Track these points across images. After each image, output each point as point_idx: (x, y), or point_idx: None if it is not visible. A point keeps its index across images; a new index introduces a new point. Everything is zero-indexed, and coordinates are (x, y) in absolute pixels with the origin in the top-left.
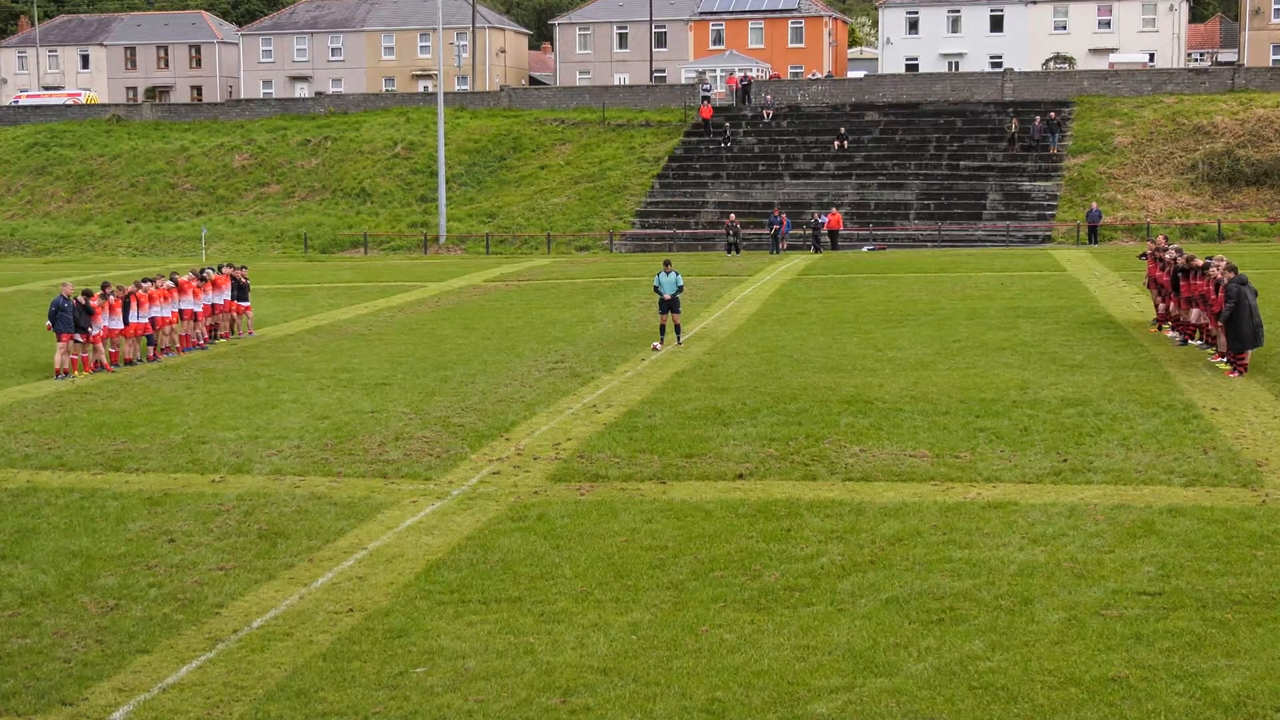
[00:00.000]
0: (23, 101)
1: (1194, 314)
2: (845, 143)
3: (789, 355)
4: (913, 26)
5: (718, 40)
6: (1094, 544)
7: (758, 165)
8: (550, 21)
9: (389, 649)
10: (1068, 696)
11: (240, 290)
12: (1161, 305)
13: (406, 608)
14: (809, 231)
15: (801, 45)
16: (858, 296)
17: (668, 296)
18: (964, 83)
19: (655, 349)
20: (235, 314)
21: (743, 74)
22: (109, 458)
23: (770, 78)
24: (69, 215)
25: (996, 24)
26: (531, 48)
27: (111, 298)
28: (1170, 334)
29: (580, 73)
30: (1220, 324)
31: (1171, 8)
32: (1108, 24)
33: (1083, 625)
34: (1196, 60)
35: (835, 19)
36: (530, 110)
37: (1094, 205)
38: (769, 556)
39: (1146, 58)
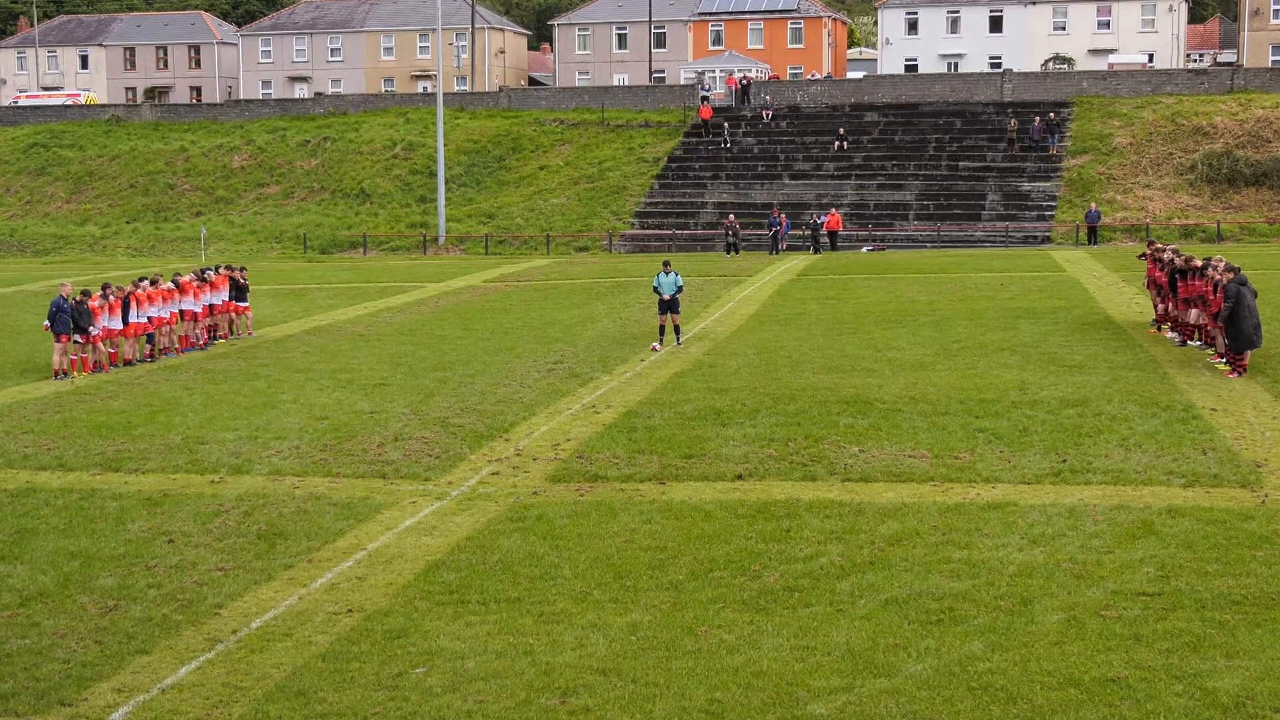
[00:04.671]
0: (22, 102)
1: (1193, 314)
2: (844, 143)
3: (788, 356)
4: (912, 27)
5: (717, 41)
6: (1093, 545)
7: (757, 166)
8: (549, 22)
9: (388, 649)
10: (1067, 697)
11: (239, 291)
12: (1160, 306)
13: (406, 608)
14: (808, 232)
15: (801, 46)
16: (857, 297)
17: (667, 297)
18: (963, 83)
19: (654, 349)
20: (234, 315)
21: (742, 74)
22: (108, 458)
23: (769, 78)
24: (68, 216)
25: (996, 25)
26: (531, 48)
27: (111, 298)
28: (1169, 334)
29: (579, 73)
30: (1219, 324)
31: (1171, 8)
32: (1107, 25)
33: (1082, 626)
34: (1196, 61)
35: (834, 20)
36: (529, 111)
37: (1093, 206)
38: (768, 557)
39: (1146, 58)
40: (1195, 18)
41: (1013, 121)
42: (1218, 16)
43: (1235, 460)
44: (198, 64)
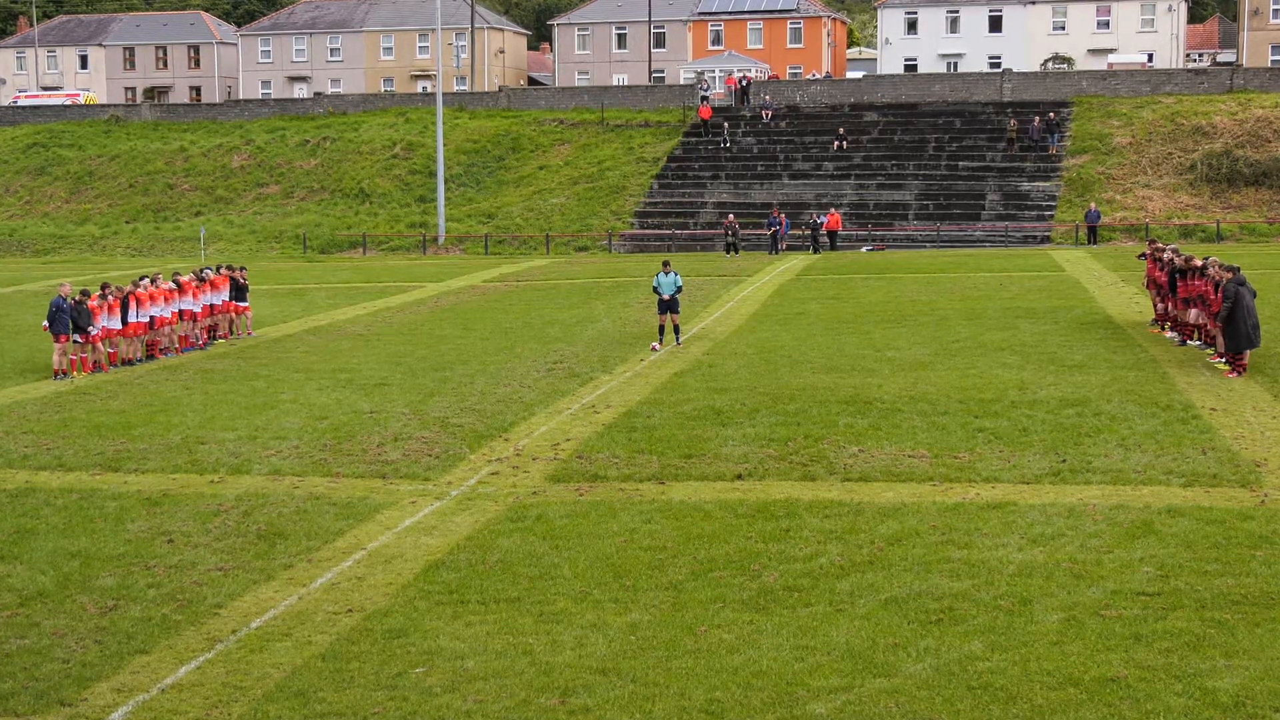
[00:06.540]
0: (22, 102)
1: (1192, 314)
2: (844, 143)
3: (788, 356)
4: (911, 27)
5: (716, 41)
6: (1093, 544)
7: (756, 166)
8: (549, 22)
9: (388, 649)
10: (1066, 697)
11: (239, 291)
12: (1160, 305)
13: (405, 608)
14: (808, 232)
15: (800, 46)
16: (856, 297)
17: (666, 297)
18: (963, 83)
19: (654, 349)
20: (234, 314)
21: (741, 74)
22: (108, 458)
23: (769, 78)
24: (68, 216)
25: (995, 24)
26: (530, 48)
27: (110, 298)
28: (1169, 334)
29: (579, 73)
30: (1218, 324)
31: (1170, 8)
32: (1106, 24)
33: (1081, 626)
34: (1195, 61)
35: (834, 19)
36: (529, 111)
37: (1093, 206)
38: (768, 557)
39: (1145, 58)
40: (1195, 17)
41: (1012, 121)
42: (1217, 16)
43: (1235, 460)
44: (197, 64)
